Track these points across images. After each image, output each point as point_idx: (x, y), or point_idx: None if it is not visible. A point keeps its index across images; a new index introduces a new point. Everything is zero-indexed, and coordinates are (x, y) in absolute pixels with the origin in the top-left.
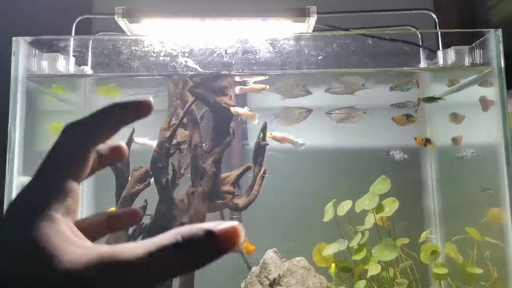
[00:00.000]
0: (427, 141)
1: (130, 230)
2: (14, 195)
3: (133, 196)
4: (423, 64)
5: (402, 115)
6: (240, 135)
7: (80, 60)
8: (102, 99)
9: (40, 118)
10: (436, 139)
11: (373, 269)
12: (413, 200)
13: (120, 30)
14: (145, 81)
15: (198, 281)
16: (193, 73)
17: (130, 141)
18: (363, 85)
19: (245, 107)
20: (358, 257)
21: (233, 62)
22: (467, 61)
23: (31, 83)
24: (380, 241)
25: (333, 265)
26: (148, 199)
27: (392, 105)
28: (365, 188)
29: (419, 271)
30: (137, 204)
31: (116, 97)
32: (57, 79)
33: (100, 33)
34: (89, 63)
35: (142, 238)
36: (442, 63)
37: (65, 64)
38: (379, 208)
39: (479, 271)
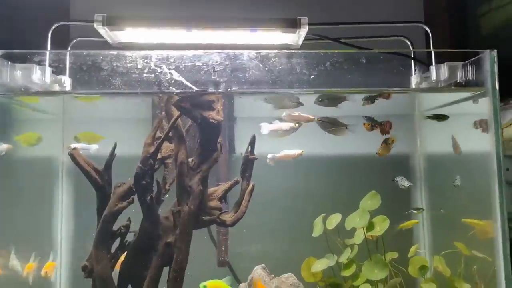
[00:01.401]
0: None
1: (113, 249)
2: None
3: (115, 215)
4: (414, 77)
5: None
6: (228, 146)
7: (58, 70)
8: (82, 105)
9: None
10: (427, 149)
11: None
12: (401, 213)
13: (99, 35)
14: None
15: None
16: (178, 91)
17: (112, 155)
18: (345, 97)
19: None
20: (347, 273)
21: (221, 80)
22: (459, 77)
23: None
24: (370, 258)
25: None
26: (130, 215)
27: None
28: (354, 199)
29: (406, 283)
30: (120, 221)
31: (97, 101)
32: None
33: (78, 39)
34: (67, 72)
35: (126, 256)
36: (434, 78)
37: (40, 74)
38: (369, 226)
39: (467, 287)
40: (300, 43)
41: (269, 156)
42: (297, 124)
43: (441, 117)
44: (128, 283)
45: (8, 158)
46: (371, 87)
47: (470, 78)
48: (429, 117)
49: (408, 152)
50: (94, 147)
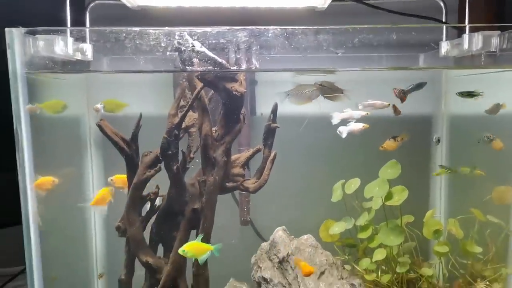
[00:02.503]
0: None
1: (143, 212)
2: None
3: (144, 182)
4: (445, 44)
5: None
6: (249, 109)
7: (79, 37)
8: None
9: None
10: (451, 110)
11: (379, 254)
12: (419, 176)
13: None
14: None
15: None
16: (201, 70)
17: (138, 126)
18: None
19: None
20: (363, 235)
21: (245, 58)
22: (494, 46)
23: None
24: (386, 224)
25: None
26: (158, 182)
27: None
28: (374, 166)
29: (420, 243)
30: (149, 188)
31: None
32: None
33: (96, 1)
34: (87, 39)
35: (156, 219)
36: (466, 47)
37: (63, 45)
38: (388, 196)
39: (478, 250)
40: (326, 5)
41: (340, 128)
42: (368, 113)
43: (472, 94)
44: (159, 243)
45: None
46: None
47: (506, 47)
48: (461, 94)
49: (431, 113)
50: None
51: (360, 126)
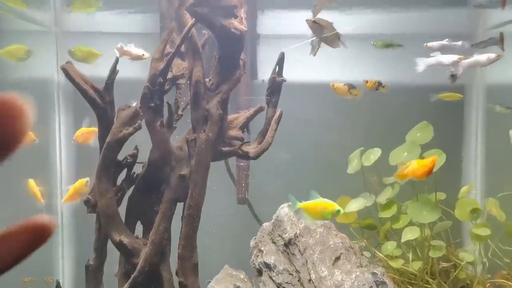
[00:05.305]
0: (379, 84)
1: (119, 181)
2: None
3: (120, 142)
4: None
5: (344, 85)
6: (249, 70)
7: None
8: (77, 17)
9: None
10: (487, 77)
11: (410, 233)
12: (451, 148)
13: None
14: None
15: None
16: None
17: (113, 72)
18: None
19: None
20: (386, 214)
21: None
22: None
23: None
24: (417, 198)
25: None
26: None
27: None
28: (397, 136)
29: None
30: (125, 151)
31: (96, 10)
32: None
33: None
34: None
35: (134, 190)
36: None
37: None
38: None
39: None
40: None
41: (417, 60)
42: (462, 57)
43: None
44: (137, 220)
45: None
46: None
47: None
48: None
49: (466, 82)
50: None
51: (454, 58)
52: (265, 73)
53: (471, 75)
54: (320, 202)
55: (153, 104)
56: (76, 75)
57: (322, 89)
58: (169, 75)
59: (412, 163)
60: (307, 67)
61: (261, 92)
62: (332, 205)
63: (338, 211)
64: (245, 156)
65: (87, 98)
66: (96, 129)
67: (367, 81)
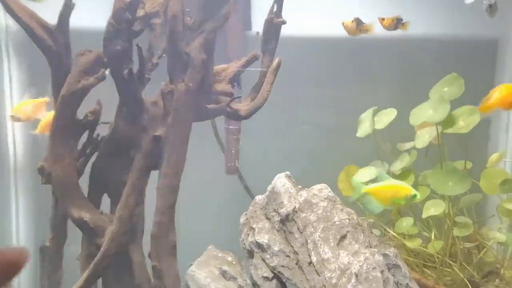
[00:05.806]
0: (398, 21)
1: (80, 145)
2: None
3: (78, 95)
4: None
5: (352, 21)
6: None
7: None
8: None
9: None
10: None
11: (433, 207)
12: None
13: None
14: None
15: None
16: None
17: (68, 5)
18: None
19: None
20: None
21: None
22: None
23: None
24: (441, 166)
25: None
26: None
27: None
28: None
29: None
30: (85, 108)
31: None
32: None
33: None
34: None
35: (98, 156)
36: None
37: None
38: (448, 121)
39: None
40: None
41: None
42: None
43: None
44: (102, 192)
45: None
46: None
47: None
48: None
49: (497, 36)
50: None
51: None
52: (260, 23)
53: (506, 27)
54: (391, 185)
55: (119, 48)
56: (19, 8)
57: (329, 41)
58: (141, 13)
59: (499, 88)
60: (312, 15)
61: (255, 46)
62: (406, 188)
63: (415, 195)
64: (235, 115)
65: (34, 38)
66: (45, 99)
67: (383, 19)
